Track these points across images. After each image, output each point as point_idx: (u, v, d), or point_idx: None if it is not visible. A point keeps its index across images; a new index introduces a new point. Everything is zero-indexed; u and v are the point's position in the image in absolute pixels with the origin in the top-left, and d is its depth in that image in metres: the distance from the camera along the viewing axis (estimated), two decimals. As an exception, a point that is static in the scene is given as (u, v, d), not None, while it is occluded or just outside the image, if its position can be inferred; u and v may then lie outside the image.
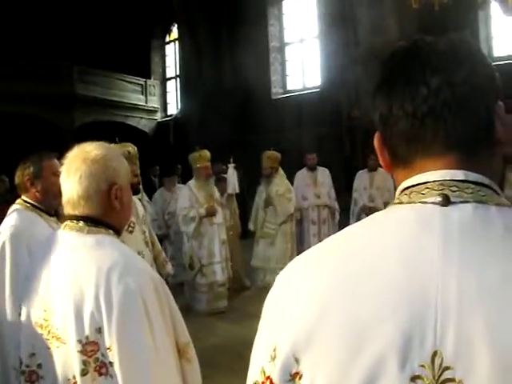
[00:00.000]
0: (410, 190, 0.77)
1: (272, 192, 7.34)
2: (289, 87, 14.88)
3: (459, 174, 0.74)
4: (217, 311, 6.46)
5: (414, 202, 0.74)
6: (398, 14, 9.96)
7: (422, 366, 0.64)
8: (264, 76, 14.41)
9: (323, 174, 7.84)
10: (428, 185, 0.74)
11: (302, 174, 7.91)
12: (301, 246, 7.64)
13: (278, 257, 7.26)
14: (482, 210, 0.70)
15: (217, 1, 14.42)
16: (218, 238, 6.64)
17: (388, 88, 0.79)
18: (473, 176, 0.74)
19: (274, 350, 0.74)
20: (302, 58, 14.65)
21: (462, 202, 0.71)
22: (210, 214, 6.52)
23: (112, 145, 1.78)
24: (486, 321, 0.62)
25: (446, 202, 0.71)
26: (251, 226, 7.76)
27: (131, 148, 3.82)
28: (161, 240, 6.92)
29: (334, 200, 7.82)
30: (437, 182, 0.74)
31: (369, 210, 7.14)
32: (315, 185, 7.74)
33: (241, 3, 14.22)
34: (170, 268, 4.39)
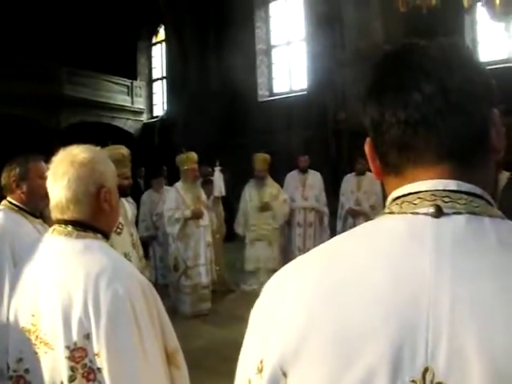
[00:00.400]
0: (401, 199, 0.75)
1: (265, 195, 7.36)
2: (275, 90, 14.89)
3: (452, 184, 0.72)
4: (200, 313, 6.45)
5: (406, 213, 0.72)
6: (385, 17, 10.03)
7: (413, 381, 0.62)
8: (250, 78, 14.40)
9: (314, 177, 7.80)
10: (420, 195, 0.72)
11: (293, 176, 7.88)
12: (288, 247, 7.67)
13: (275, 257, 7.31)
14: (475, 222, 0.69)
15: (204, 3, 14.39)
16: (204, 241, 6.63)
17: (380, 93, 0.77)
18: (466, 186, 0.72)
19: (261, 361, 0.72)
20: (288, 61, 14.67)
21: (454, 214, 0.69)
22: (196, 216, 6.51)
23: (98, 148, 1.76)
24: (479, 335, 0.61)
25: (439, 213, 0.69)
26: (240, 230, 7.71)
27: (124, 150, 3.79)
28: (145, 242, 6.92)
29: (323, 204, 7.75)
30: (429, 192, 0.72)
31: (355, 213, 7.17)
32: (304, 187, 7.72)
33: (228, 5, 14.23)
34: (147, 275, 4.36)
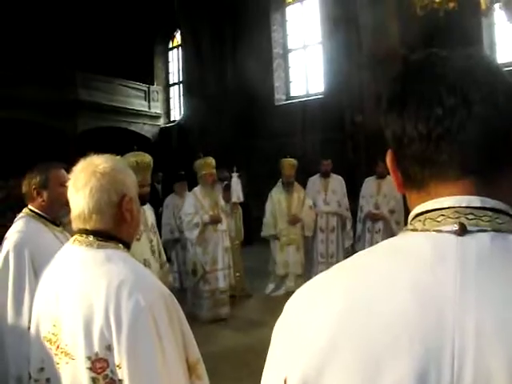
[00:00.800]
0: (424, 216, 0.73)
1: (293, 199, 7.36)
2: (292, 93, 14.88)
3: (475, 201, 0.70)
4: (219, 318, 6.45)
5: (429, 230, 0.71)
6: (401, 20, 9.97)
7: None
8: (267, 82, 14.43)
9: (336, 182, 7.77)
10: (443, 211, 0.71)
11: (314, 180, 7.85)
12: (311, 253, 7.64)
13: (302, 262, 7.32)
14: (499, 240, 0.67)
15: (220, 7, 14.46)
16: (222, 245, 6.65)
17: (400, 106, 0.75)
18: (490, 202, 0.70)
19: (285, 380, 0.71)
20: (305, 64, 14.66)
21: (479, 231, 0.68)
22: (214, 221, 6.56)
23: (118, 157, 1.76)
24: (506, 358, 0.60)
25: (463, 231, 0.68)
26: (272, 231, 7.53)
27: (144, 157, 3.80)
28: (166, 247, 6.96)
29: (345, 209, 7.72)
30: (452, 209, 0.70)
31: (374, 217, 7.13)
32: (326, 192, 7.69)
33: (244, 9, 14.27)
34: (170, 280, 4.36)
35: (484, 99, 0.70)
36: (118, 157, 1.79)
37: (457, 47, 0.78)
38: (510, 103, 0.73)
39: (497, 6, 5.48)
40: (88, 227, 1.54)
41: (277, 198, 7.54)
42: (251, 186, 10.47)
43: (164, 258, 4.33)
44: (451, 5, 5.04)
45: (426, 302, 0.65)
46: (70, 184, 1.58)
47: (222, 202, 6.88)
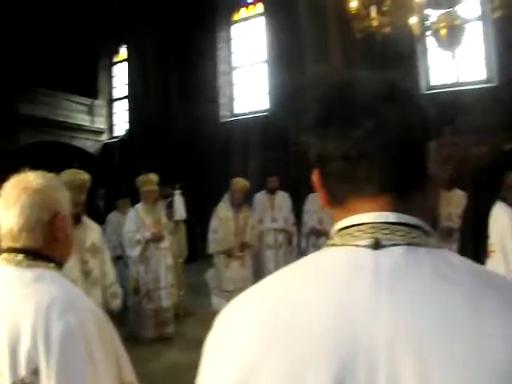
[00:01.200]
0: (343, 231, 0.77)
1: (240, 219, 7.08)
2: (237, 111, 14.98)
3: (391, 216, 0.74)
4: (164, 336, 6.34)
5: (347, 245, 0.74)
6: (343, 42, 10.29)
7: None
8: (212, 99, 14.47)
9: (283, 199, 7.77)
10: (361, 227, 0.75)
11: (261, 197, 7.81)
12: (259, 270, 7.54)
13: (250, 276, 7.16)
14: (412, 253, 0.71)
15: (165, 23, 14.43)
16: (164, 263, 6.55)
17: (322, 128, 0.79)
18: (405, 218, 0.74)
19: None
20: (250, 82, 14.81)
21: (392, 245, 0.71)
22: (156, 239, 6.44)
23: (52, 174, 1.70)
24: (417, 369, 0.62)
25: (377, 245, 0.71)
26: (225, 245, 7.05)
27: (82, 175, 3.72)
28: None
29: (291, 224, 7.72)
30: (369, 225, 0.74)
31: (318, 233, 7.21)
32: (272, 208, 7.68)
33: (190, 26, 14.30)
34: (116, 304, 4.19)
35: (400, 123, 0.75)
36: (53, 174, 1.74)
37: (386, 71, 0.83)
38: (424, 126, 0.79)
39: (428, 33, 5.76)
40: (17, 245, 1.47)
41: (223, 214, 7.34)
42: (195, 202, 10.41)
43: (110, 279, 4.18)
44: (386, 30, 5.26)
45: (342, 317, 0.67)
46: (0, 200, 1.51)
47: (164, 220, 6.77)
